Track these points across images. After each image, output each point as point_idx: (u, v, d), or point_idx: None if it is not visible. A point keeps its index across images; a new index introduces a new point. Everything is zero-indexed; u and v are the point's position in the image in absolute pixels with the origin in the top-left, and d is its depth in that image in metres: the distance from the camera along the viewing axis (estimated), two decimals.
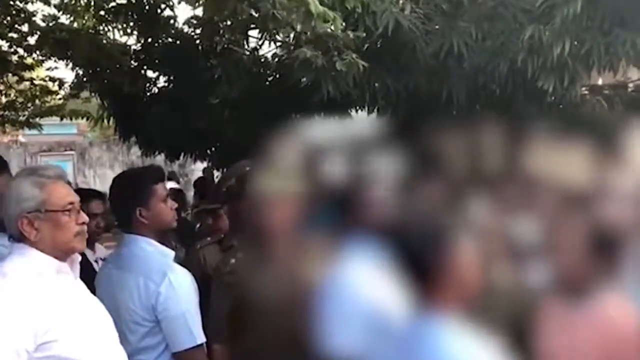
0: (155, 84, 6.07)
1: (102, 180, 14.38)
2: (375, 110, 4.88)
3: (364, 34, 4.01)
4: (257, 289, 1.99)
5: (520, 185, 1.79)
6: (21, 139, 14.91)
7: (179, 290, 2.45)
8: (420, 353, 1.58)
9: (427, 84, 4.43)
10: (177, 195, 4.11)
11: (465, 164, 1.85)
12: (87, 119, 6.77)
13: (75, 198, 2.04)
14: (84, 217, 2.04)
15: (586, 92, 5.11)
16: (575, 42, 3.98)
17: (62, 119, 7.14)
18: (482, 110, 5.30)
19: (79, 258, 2.10)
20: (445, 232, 1.57)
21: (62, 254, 2.01)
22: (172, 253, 2.60)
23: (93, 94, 6.43)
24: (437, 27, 4.37)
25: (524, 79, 4.22)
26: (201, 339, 2.46)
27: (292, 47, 4.79)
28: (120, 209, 2.63)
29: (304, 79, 4.00)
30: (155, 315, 2.45)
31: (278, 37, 5.15)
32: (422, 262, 1.57)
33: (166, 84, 6.03)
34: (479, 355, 1.54)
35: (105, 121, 6.44)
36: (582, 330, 1.71)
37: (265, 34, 4.97)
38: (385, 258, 1.72)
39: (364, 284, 1.80)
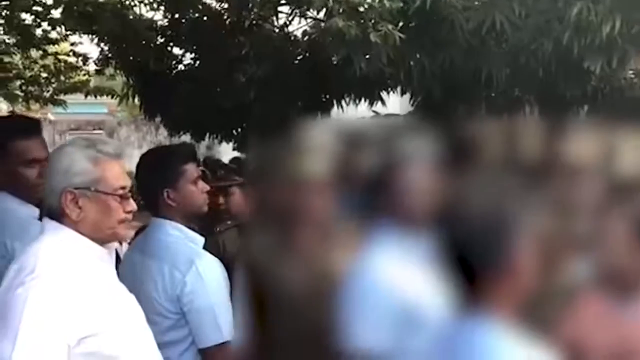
0: (181, 62, 5.94)
1: (129, 160, 14.33)
2: (409, 90, 4.69)
3: (401, 4, 3.78)
4: (280, 278, 1.85)
5: (562, 175, 1.66)
6: (50, 116, 14.99)
7: (206, 280, 2.27)
8: (463, 356, 1.41)
9: (464, 63, 4.20)
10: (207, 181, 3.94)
11: (504, 152, 1.72)
12: (112, 97, 6.68)
13: (128, 182, 1.84)
14: (133, 206, 1.84)
15: (633, 75, 4.90)
16: (626, 21, 3.73)
17: (86, 96, 7.07)
18: (522, 93, 5.09)
19: (115, 245, 1.91)
20: (508, 226, 1.37)
21: (102, 239, 1.81)
22: (201, 240, 2.42)
23: (118, 71, 6.32)
24: (477, 2, 4.13)
25: (568, 59, 4.01)
26: (230, 336, 2.27)
27: (323, 23, 4.61)
28: (146, 190, 2.43)
29: (336, 56, 3.79)
30: (181, 307, 2.27)
31: (309, 13, 4.96)
32: (475, 258, 1.38)
33: (192, 62, 5.89)
34: None
35: (131, 99, 6.33)
36: (628, 327, 1.63)
37: (295, 9, 4.78)
38: (422, 250, 1.60)
39: (395, 276, 1.68)
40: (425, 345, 1.51)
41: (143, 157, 2.50)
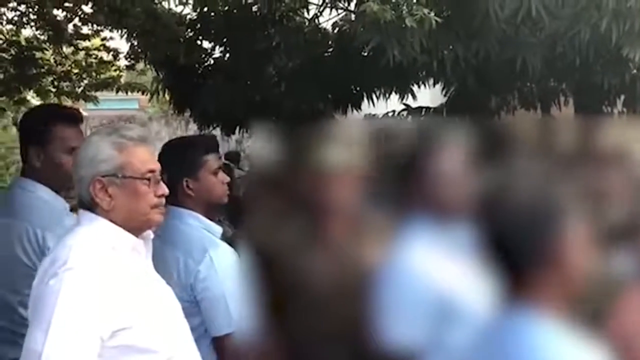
0: (210, 55, 5.94)
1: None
2: (442, 81, 4.62)
3: None
4: (309, 271, 1.80)
5: (599, 166, 1.63)
6: (83, 112, 15.16)
7: (219, 269, 2.26)
8: (508, 352, 1.35)
9: (499, 52, 4.12)
10: (228, 172, 3.93)
11: (540, 142, 1.69)
12: (143, 93, 6.70)
13: (157, 166, 1.80)
14: (164, 189, 1.80)
15: None
16: None
17: (117, 92, 7.10)
18: (558, 82, 4.99)
19: (152, 236, 1.88)
20: (553, 216, 1.32)
21: (136, 227, 1.77)
22: (219, 230, 2.40)
23: (148, 66, 6.33)
24: None
25: (606, 47, 3.91)
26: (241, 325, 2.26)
27: (354, 14, 4.56)
28: (166, 179, 2.43)
29: (369, 43, 3.73)
30: (194, 295, 2.27)
31: (339, 4, 4.92)
32: (519, 249, 1.33)
33: (222, 55, 5.88)
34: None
35: (161, 94, 6.33)
36: None
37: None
38: (460, 242, 1.54)
39: (432, 269, 1.63)
40: (466, 341, 1.46)
41: (165, 147, 2.50)
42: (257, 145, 2.04)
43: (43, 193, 2.35)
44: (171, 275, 2.26)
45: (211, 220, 2.42)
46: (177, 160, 2.38)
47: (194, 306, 2.26)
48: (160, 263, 2.29)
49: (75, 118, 2.45)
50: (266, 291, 1.89)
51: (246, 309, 2.12)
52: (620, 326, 1.52)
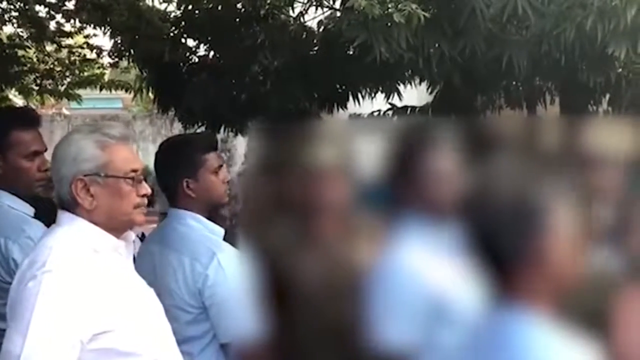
0: (195, 53, 5.87)
1: (144, 154, 14.39)
2: (428, 79, 4.61)
3: None
4: (301, 272, 1.78)
5: (586, 164, 1.60)
6: (65, 111, 15.04)
7: (228, 273, 2.20)
8: (497, 351, 1.34)
9: (485, 50, 4.11)
10: None
11: (525, 141, 1.65)
12: (127, 90, 6.65)
13: (140, 165, 1.79)
14: (146, 189, 1.78)
15: None
16: None
17: (101, 90, 7.05)
18: (543, 81, 5.00)
19: (133, 236, 1.85)
20: (536, 214, 1.31)
21: (117, 228, 1.76)
22: (221, 231, 2.35)
23: (132, 64, 6.27)
24: None
25: (592, 45, 3.90)
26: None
27: (339, 12, 4.53)
28: (165, 180, 2.37)
29: (355, 40, 3.70)
30: (202, 301, 2.21)
31: (325, 2, 4.89)
32: (506, 247, 1.32)
33: (206, 53, 5.83)
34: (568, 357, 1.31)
35: (145, 92, 6.28)
36: None
37: None
38: (450, 241, 1.53)
39: (422, 268, 1.62)
40: (458, 340, 1.45)
41: (162, 146, 2.45)
42: (247, 144, 2.02)
43: (6, 200, 2.29)
44: (176, 281, 2.21)
45: (214, 221, 2.37)
46: (176, 160, 2.33)
47: (201, 312, 2.21)
48: (163, 268, 2.24)
49: (32, 120, 2.39)
50: (262, 292, 1.87)
51: (250, 311, 2.10)
52: (615, 325, 1.51)
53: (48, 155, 2.43)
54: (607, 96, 4.92)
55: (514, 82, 4.93)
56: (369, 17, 3.46)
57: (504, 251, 1.32)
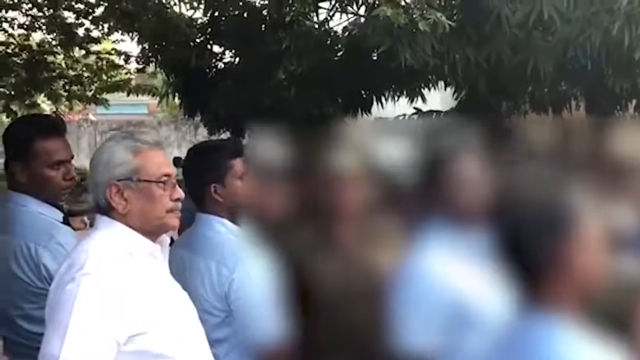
0: (221, 59, 5.94)
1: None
2: (453, 84, 4.60)
3: None
4: (324, 275, 1.81)
5: (611, 170, 1.62)
6: (92, 117, 15.21)
7: (253, 276, 2.17)
8: (525, 355, 1.35)
9: (511, 56, 4.10)
10: None
11: (551, 146, 1.68)
12: (153, 95, 6.71)
13: (172, 170, 1.80)
14: (180, 193, 1.80)
15: None
16: None
17: (128, 94, 7.13)
18: (569, 87, 4.96)
19: (168, 241, 1.88)
20: (566, 216, 1.31)
21: (152, 232, 1.78)
22: (246, 235, 2.37)
23: (159, 69, 6.34)
24: None
25: (618, 51, 3.87)
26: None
27: (363, 19, 4.54)
28: (193, 185, 2.40)
29: (380, 47, 3.71)
30: (228, 304, 2.22)
31: (349, 9, 4.91)
32: (533, 251, 1.32)
33: (232, 59, 5.89)
34: None
35: (171, 97, 6.34)
36: None
37: (336, 3, 4.72)
38: (476, 246, 1.55)
39: (448, 273, 1.63)
40: (483, 345, 1.46)
41: (190, 152, 2.47)
42: (268, 148, 2.03)
43: (34, 206, 2.30)
44: (203, 285, 2.24)
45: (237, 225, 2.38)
46: (204, 166, 2.36)
47: (227, 315, 2.23)
48: (191, 273, 2.26)
49: (56, 129, 2.37)
50: (286, 295, 1.89)
51: (274, 314, 2.12)
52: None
53: (75, 162, 2.46)
54: (634, 102, 4.87)
55: (539, 88, 4.90)
56: (395, 24, 3.48)
57: (531, 256, 1.32)
